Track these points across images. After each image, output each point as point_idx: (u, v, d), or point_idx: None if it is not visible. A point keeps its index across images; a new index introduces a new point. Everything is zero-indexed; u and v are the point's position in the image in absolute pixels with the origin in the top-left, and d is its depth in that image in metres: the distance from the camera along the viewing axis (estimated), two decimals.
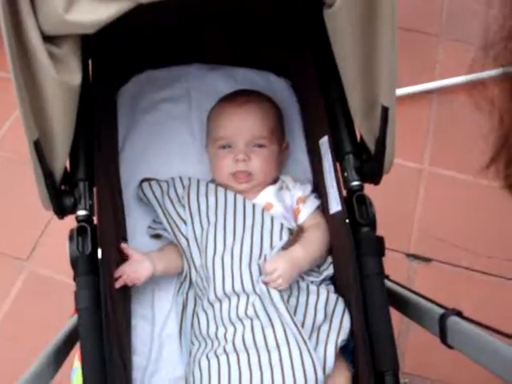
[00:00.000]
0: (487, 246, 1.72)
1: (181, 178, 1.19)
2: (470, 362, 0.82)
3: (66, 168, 0.96)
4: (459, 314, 0.84)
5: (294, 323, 0.96)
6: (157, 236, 1.18)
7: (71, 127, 0.89)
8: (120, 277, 1.03)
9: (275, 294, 0.99)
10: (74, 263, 0.94)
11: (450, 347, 0.84)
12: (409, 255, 1.72)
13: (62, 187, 0.97)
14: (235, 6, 1.15)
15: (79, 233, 0.95)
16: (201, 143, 1.27)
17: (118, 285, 1.03)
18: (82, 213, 0.96)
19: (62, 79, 0.80)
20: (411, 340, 1.51)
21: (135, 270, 1.05)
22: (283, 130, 1.23)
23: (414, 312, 0.95)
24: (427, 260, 1.72)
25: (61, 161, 0.92)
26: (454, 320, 0.83)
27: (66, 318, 0.97)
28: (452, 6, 2.40)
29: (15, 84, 0.76)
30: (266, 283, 1.00)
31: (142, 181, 1.20)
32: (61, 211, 0.96)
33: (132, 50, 1.25)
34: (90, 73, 1.08)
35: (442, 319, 0.85)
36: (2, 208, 1.79)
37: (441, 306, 0.89)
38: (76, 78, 0.83)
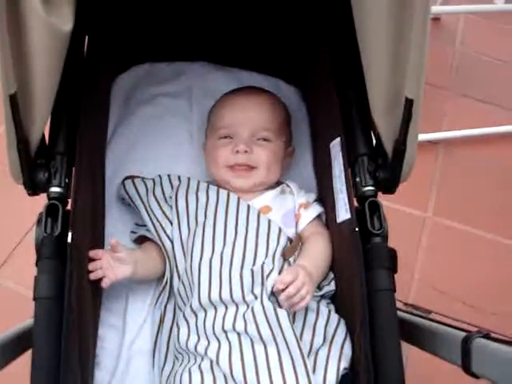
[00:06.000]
0: (490, 301, 1.61)
1: (169, 177, 1.07)
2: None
3: (44, 141, 0.85)
4: (487, 335, 0.70)
5: (298, 344, 0.82)
6: (139, 241, 1.05)
7: (54, 85, 0.77)
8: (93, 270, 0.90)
9: (282, 312, 0.85)
10: (39, 246, 0.81)
11: (476, 377, 0.70)
12: (407, 305, 1.59)
13: (38, 162, 0.85)
14: (249, 5, 1.08)
15: (49, 212, 0.82)
16: (198, 143, 1.16)
17: (93, 277, 0.89)
18: (55, 190, 0.84)
19: (50, 21, 0.70)
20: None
21: (113, 267, 0.91)
22: (291, 134, 1.13)
23: (429, 340, 0.80)
24: (427, 311, 1.59)
25: (38, 125, 0.79)
26: (480, 342, 0.69)
27: None
28: (462, 61, 2.40)
29: None
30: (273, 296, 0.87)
31: (126, 178, 1.07)
32: (32, 185, 0.84)
33: (134, 38, 1.16)
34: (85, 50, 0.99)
35: (466, 342, 0.70)
36: None
37: (462, 330, 0.75)
38: (66, 23, 0.72)
